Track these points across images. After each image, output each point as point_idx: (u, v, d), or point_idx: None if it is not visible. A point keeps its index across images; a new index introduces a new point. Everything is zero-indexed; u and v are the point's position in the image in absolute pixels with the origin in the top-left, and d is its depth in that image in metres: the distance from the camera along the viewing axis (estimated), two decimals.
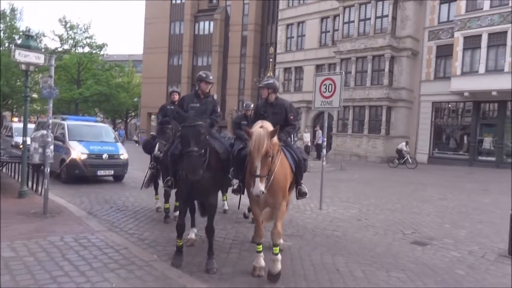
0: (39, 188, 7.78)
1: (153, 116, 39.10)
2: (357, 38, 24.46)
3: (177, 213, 5.17)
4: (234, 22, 36.24)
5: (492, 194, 11.22)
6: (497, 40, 19.98)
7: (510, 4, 19.39)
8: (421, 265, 4.75)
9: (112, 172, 10.52)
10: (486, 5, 20.28)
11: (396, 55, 23.73)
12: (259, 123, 3.98)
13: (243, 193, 4.47)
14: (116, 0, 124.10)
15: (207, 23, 37.71)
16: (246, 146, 4.25)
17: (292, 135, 5.16)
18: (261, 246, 4.17)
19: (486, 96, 20.63)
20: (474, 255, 5.28)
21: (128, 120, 53.64)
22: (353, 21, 24.88)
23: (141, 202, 7.97)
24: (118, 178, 10.90)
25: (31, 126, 13.50)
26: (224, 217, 6.91)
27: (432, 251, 5.37)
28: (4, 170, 10.35)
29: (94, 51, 40.26)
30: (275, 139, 3.85)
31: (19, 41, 15.10)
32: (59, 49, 39.80)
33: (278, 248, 4.04)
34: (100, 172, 10.27)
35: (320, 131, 20.60)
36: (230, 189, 5.37)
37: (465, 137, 22.74)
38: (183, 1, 38.38)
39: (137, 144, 33.43)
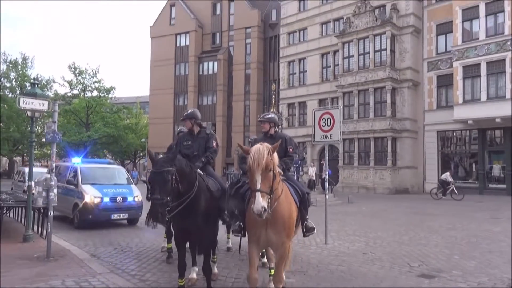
0: (44, 232, 7.81)
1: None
2: (357, 72, 24.92)
3: None
4: (237, 61, 37.24)
5: (503, 223, 10.98)
6: (496, 68, 20.23)
7: (505, 33, 19.79)
8: None
9: (126, 215, 10.18)
10: (482, 35, 20.71)
11: (397, 87, 24.04)
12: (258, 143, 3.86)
13: (244, 235, 4.16)
14: (124, 45, 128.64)
15: (211, 63, 38.80)
16: (245, 183, 4.23)
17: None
18: None
19: (490, 123, 20.63)
20: (483, 287, 5.13)
21: (136, 161, 54.14)
22: (352, 56, 25.45)
23: (146, 242, 7.94)
24: (132, 221, 10.54)
25: (39, 170, 13.71)
26: (228, 255, 6.85)
27: (440, 284, 5.24)
28: (11, 214, 10.44)
29: (102, 95, 41.33)
30: (276, 156, 3.73)
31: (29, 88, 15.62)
32: (69, 94, 40.98)
33: None
34: (114, 216, 9.88)
35: (323, 163, 20.60)
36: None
37: (474, 165, 22.54)
38: (187, 43, 39.69)
39: (145, 184, 33.52)
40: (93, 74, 40.79)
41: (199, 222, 4.10)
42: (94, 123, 40.87)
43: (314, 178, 22.51)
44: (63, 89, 60.55)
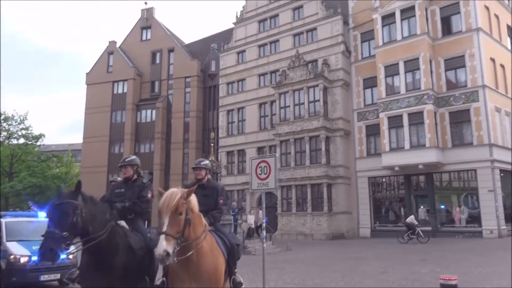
0: None
1: None
2: (293, 121, 26.00)
3: None
4: (176, 109, 37.23)
5: (429, 264, 11.56)
6: (416, 119, 22.17)
7: (421, 88, 22.00)
8: None
9: (58, 275, 8.75)
10: (403, 89, 22.81)
11: (330, 135, 25.33)
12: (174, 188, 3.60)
13: None
14: (56, 93, 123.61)
15: (149, 111, 38.35)
16: None
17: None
18: None
19: (414, 169, 22.25)
20: None
21: None
22: (288, 106, 26.62)
23: None
24: (65, 282, 9.28)
25: None
26: None
27: None
28: None
29: (30, 142, 38.77)
30: (193, 201, 3.54)
31: None
32: None
33: None
34: (44, 277, 8.57)
35: (260, 212, 20.64)
36: None
37: (402, 209, 23.87)
38: (125, 91, 39.12)
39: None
40: (20, 120, 38.38)
41: (116, 284, 3.61)
42: (19, 173, 37.88)
43: (253, 226, 22.36)
44: None
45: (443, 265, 11.14)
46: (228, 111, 31.94)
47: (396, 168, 22.54)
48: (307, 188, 24.90)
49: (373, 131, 24.85)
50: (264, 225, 9.27)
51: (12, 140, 38.70)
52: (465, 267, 10.55)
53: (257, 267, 9.09)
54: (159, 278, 3.93)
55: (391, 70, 23.52)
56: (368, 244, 19.15)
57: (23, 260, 8.50)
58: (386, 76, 23.69)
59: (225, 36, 35.72)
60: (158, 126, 37.33)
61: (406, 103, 22.47)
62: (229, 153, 31.20)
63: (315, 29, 27.88)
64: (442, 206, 22.69)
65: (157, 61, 39.54)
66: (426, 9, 23.09)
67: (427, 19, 23.04)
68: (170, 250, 3.12)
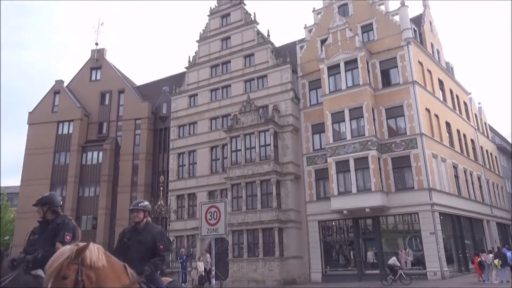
0: None
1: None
2: (244, 165, 26.14)
3: None
4: (125, 151, 36.20)
5: None
6: (362, 164, 23.13)
7: (366, 134, 23.19)
8: None
9: None
10: (348, 136, 23.89)
11: (281, 179, 25.65)
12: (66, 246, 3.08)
13: None
14: None
15: (95, 153, 36.94)
16: None
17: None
18: None
19: (361, 213, 22.90)
20: None
21: None
22: (240, 150, 26.84)
23: None
24: None
25: None
26: None
27: None
28: None
29: None
30: (94, 256, 3.01)
31: None
32: None
33: None
34: None
35: (208, 255, 20.11)
36: None
37: (351, 252, 24.21)
38: (70, 132, 37.61)
39: None
40: None
41: None
42: None
43: (203, 274, 21.56)
44: None
45: None
46: (179, 154, 31.55)
47: (345, 212, 23.08)
48: (258, 233, 24.67)
49: (322, 175, 25.50)
50: (213, 272, 9.01)
51: None
52: None
53: None
54: None
55: (338, 117, 24.67)
56: None
57: None
58: (333, 123, 24.77)
59: (176, 79, 36.00)
60: (104, 168, 35.90)
61: (352, 149, 23.48)
62: (179, 197, 30.47)
63: (265, 76, 28.93)
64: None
65: (106, 102, 38.72)
66: (367, 62, 24.87)
67: (368, 71, 24.75)
68: None
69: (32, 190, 36.70)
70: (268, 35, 30.02)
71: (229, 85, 30.53)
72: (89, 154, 37.26)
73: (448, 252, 22.34)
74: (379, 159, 23.15)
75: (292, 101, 27.49)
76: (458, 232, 24.44)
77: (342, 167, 23.76)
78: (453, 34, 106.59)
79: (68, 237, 3.96)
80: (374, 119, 23.81)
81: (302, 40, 29.53)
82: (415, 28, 27.15)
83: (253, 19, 30.73)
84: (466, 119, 31.77)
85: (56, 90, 39.58)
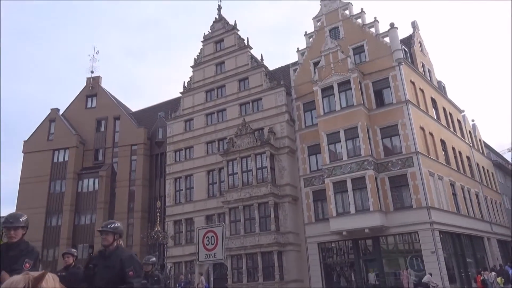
0: None
1: None
2: (242, 188, 26.01)
3: None
4: (121, 178, 36.02)
5: None
6: (359, 184, 23.08)
7: (362, 154, 23.24)
8: None
9: None
10: (345, 156, 23.92)
11: (279, 202, 25.50)
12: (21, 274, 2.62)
13: None
14: None
15: (91, 180, 36.71)
16: None
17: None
18: None
19: (361, 233, 22.68)
20: None
21: None
22: (236, 173, 26.76)
23: None
24: None
25: None
26: None
27: None
28: None
29: None
30: (49, 284, 2.57)
31: None
32: None
33: None
34: None
35: (203, 277, 19.73)
36: None
37: (352, 274, 23.84)
38: (66, 159, 37.46)
39: None
40: None
41: None
42: None
43: None
44: None
45: None
46: (176, 179, 31.41)
47: (344, 233, 22.85)
48: (257, 257, 24.31)
49: (320, 196, 25.38)
50: None
51: None
52: None
53: None
54: None
55: (333, 138, 24.77)
56: None
57: None
58: (328, 144, 24.85)
59: (172, 105, 36.22)
60: (101, 195, 35.62)
61: (349, 169, 23.47)
62: (177, 222, 30.14)
63: (260, 99, 29.18)
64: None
65: (102, 128, 38.80)
66: (360, 83, 25.20)
67: (362, 92, 25.05)
68: None
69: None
70: (262, 59, 30.47)
71: (224, 109, 30.73)
72: (85, 181, 37.04)
73: (450, 271, 22.04)
74: (376, 178, 23.13)
75: (288, 123, 27.65)
76: (459, 250, 24.19)
77: (340, 187, 23.68)
78: (443, 54, 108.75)
79: (27, 265, 3.54)
80: (369, 139, 23.91)
81: (295, 63, 29.98)
82: (406, 49, 27.67)
83: (246, 44, 31.24)
84: (460, 137, 31.99)
85: (52, 118, 39.66)
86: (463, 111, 34.66)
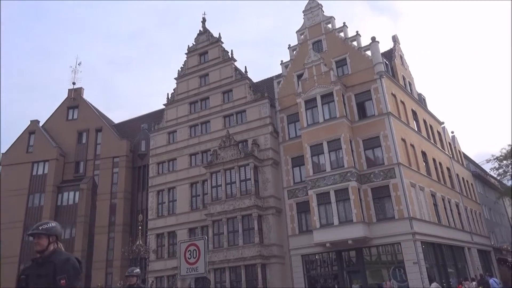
0: None
1: None
2: (225, 200, 25.83)
3: None
4: (102, 190, 35.34)
5: None
6: (342, 195, 23.18)
7: (345, 166, 23.41)
8: None
9: None
10: (328, 167, 24.05)
11: (262, 214, 25.38)
12: None
13: None
14: None
15: (72, 193, 35.89)
16: None
17: None
18: None
19: (344, 245, 22.71)
20: None
21: None
22: (220, 185, 26.60)
23: None
24: None
25: None
26: None
27: None
28: None
29: None
30: None
31: None
32: None
33: None
34: None
35: None
36: None
37: (336, 286, 23.76)
38: (45, 172, 36.60)
39: None
40: None
41: None
42: None
43: None
44: None
45: None
46: (158, 192, 31.00)
47: (328, 245, 22.84)
48: (241, 270, 24.05)
49: (303, 208, 25.37)
50: None
51: None
52: None
53: None
54: None
55: (316, 150, 24.91)
56: None
57: None
58: (312, 155, 24.95)
59: (155, 117, 35.94)
60: (81, 209, 34.83)
61: (332, 181, 23.58)
62: (159, 236, 29.65)
63: (244, 111, 29.22)
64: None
65: (84, 140, 38.15)
66: (343, 95, 25.51)
67: (344, 104, 25.35)
68: None
69: (4, 235, 35.14)
70: (246, 71, 30.62)
71: (208, 121, 30.64)
72: (65, 194, 36.20)
73: (432, 281, 22.17)
74: (359, 190, 23.29)
75: (271, 135, 27.71)
76: (440, 261, 24.43)
77: (323, 199, 23.73)
78: (423, 67, 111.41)
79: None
80: (352, 151, 24.13)
81: (279, 76, 30.22)
82: (387, 62, 28.22)
83: (230, 56, 31.38)
84: (441, 148, 32.60)
85: (31, 130, 38.82)
86: (443, 123, 35.40)
